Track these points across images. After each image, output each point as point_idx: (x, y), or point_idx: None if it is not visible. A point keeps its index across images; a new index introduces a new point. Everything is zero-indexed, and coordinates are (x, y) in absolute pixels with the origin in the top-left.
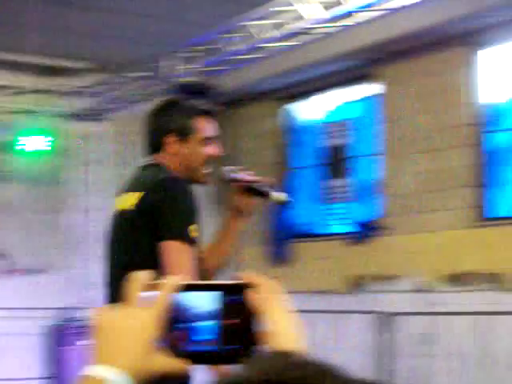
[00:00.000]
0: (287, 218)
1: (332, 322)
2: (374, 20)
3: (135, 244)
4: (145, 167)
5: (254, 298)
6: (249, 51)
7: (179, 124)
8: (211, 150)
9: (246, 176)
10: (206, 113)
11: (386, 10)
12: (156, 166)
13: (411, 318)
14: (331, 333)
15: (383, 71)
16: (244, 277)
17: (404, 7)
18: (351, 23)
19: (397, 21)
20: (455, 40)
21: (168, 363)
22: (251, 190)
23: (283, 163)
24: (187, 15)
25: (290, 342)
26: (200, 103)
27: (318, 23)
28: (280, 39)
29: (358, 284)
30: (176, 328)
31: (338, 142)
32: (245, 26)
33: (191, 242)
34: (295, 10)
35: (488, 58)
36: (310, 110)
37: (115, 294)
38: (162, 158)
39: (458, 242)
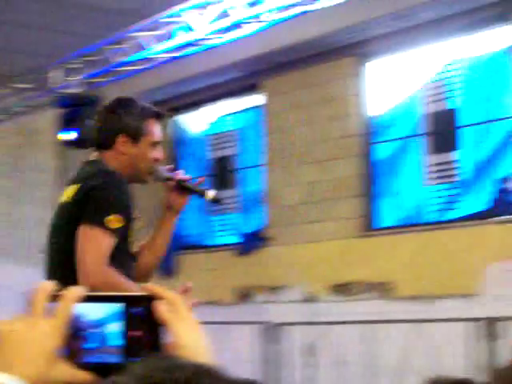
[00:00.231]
0: (175, 229)
1: (220, 333)
2: (260, 31)
3: (70, 234)
4: (88, 162)
5: (159, 310)
6: (137, 62)
7: (132, 125)
8: (158, 153)
9: (178, 174)
10: (158, 116)
11: (271, 21)
12: (99, 162)
13: (298, 327)
14: (219, 344)
15: (268, 82)
16: (148, 289)
17: (289, 18)
18: (238, 34)
19: (282, 32)
20: (342, 51)
21: (70, 374)
22: (184, 189)
23: None
24: (75, 26)
25: (195, 354)
26: (152, 106)
27: (206, 34)
28: (168, 50)
29: (245, 295)
30: (78, 339)
31: (224, 153)
32: (133, 36)
33: (109, 231)
34: (184, 21)
35: (375, 69)
36: (197, 121)
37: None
38: (108, 155)
39: (345, 251)
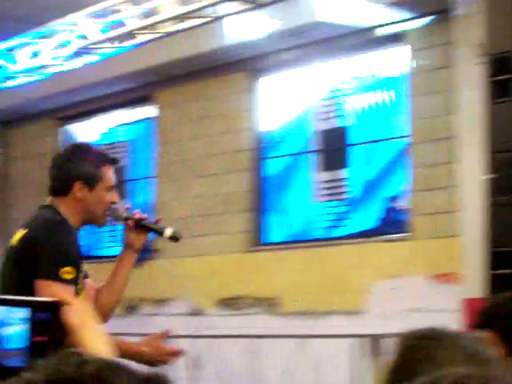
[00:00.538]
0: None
1: None
2: (154, 42)
3: (10, 279)
4: (42, 206)
5: (67, 316)
6: (29, 70)
7: (88, 172)
8: (113, 196)
9: (136, 214)
10: (112, 161)
11: (166, 32)
12: (51, 207)
13: (184, 340)
14: None
15: (161, 94)
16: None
17: (184, 30)
18: (132, 44)
19: (177, 44)
20: (235, 66)
21: None
22: (143, 227)
23: None
24: None
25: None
26: (105, 152)
27: (99, 43)
28: (61, 58)
29: (131, 307)
30: None
31: None
32: (26, 43)
33: (64, 282)
34: (78, 30)
35: (268, 85)
36: (89, 130)
37: None
38: (63, 201)
39: (233, 266)
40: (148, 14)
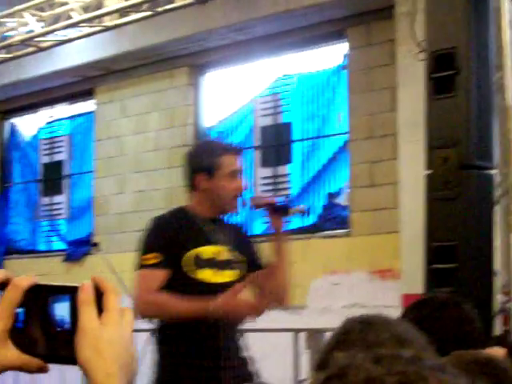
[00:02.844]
0: (4, 233)
1: None
2: (96, 36)
3: None
4: None
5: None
6: None
7: (205, 163)
8: (238, 183)
9: (268, 200)
10: (232, 150)
11: (105, 26)
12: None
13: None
14: None
15: (101, 89)
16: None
17: (126, 24)
18: (74, 37)
19: (119, 39)
20: (179, 60)
21: (19, 359)
22: (278, 210)
23: (1, 178)
24: None
25: (94, 343)
26: (226, 142)
27: (41, 36)
28: (1, 51)
29: None
30: (27, 326)
31: (55, 158)
32: None
33: (149, 267)
34: (18, 22)
35: (212, 80)
36: (30, 125)
37: None
38: (192, 196)
39: None
40: (92, 7)
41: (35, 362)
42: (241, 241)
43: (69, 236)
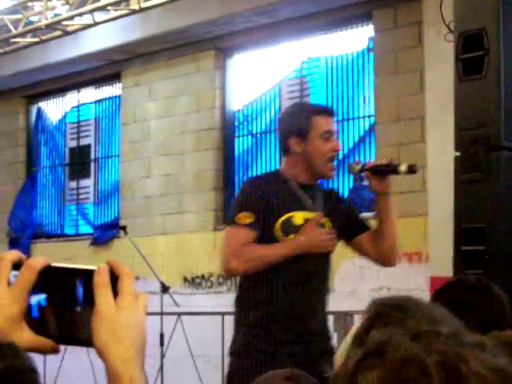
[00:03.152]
0: (31, 217)
1: None
2: (122, 20)
3: None
4: None
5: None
6: None
7: (297, 125)
8: (332, 145)
9: (370, 162)
10: (323, 110)
11: (131, 9)
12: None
13: (151, 318)
14: None
15: (128, 72)
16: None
17: (152, 7)
18: (99, 21)
19: (145, 22)
20: (205, 44)
21: (33, 340)
22: (378, 172)
23: (29, 162)
24: None
25: (111, 327)
26: (318, 104)
27: (66, 20)
28: (28, 35)
29: None
30: (41, 308)
31: (81, 142)
32: None
33: (241, 226)
34: (44, 5)
35: (238, 63)
36: (56, 109)
37: None
38: (286, 160)
39: (201, 244)
40: None
41: (49, 343)
42: (335, 207)
43: (96, 220)
